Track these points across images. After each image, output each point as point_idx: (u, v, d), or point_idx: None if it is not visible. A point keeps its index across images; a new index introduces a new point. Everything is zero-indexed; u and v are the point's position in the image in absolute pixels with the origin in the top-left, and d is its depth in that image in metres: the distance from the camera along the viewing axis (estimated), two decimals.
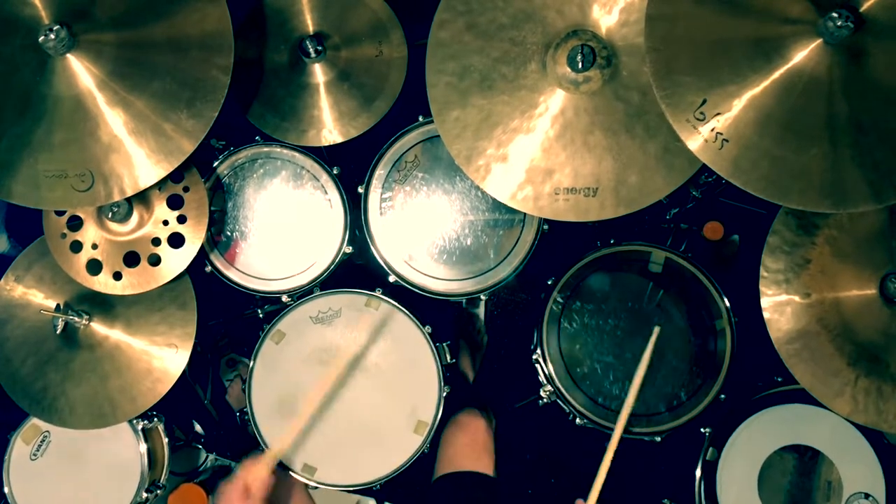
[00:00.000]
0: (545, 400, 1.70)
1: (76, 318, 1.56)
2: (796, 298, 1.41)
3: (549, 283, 1.68)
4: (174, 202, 1.58)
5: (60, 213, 1.57)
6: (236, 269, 1.70)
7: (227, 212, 1.70)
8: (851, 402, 1.37)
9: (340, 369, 1.60)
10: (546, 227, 1.63)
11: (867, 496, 1.53)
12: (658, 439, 1.60)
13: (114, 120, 1.38)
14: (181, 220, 1.57)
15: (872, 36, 1.15)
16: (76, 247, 1.57)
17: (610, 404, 1.62)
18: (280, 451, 1.53)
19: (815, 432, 1.57)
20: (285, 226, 1.70)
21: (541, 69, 1.36)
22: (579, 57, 1.31)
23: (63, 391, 1.59)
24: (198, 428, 2.13)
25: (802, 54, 1.16)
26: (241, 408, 2.15)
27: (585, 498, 1.34)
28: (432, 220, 1.67)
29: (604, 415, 1.61)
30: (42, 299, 1.64)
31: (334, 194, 1.69)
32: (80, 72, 1.36)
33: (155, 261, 1.56)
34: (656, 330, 1.48)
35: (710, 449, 1.59)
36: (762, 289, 1.42)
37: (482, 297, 1.70)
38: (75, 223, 1.57)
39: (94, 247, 1.57)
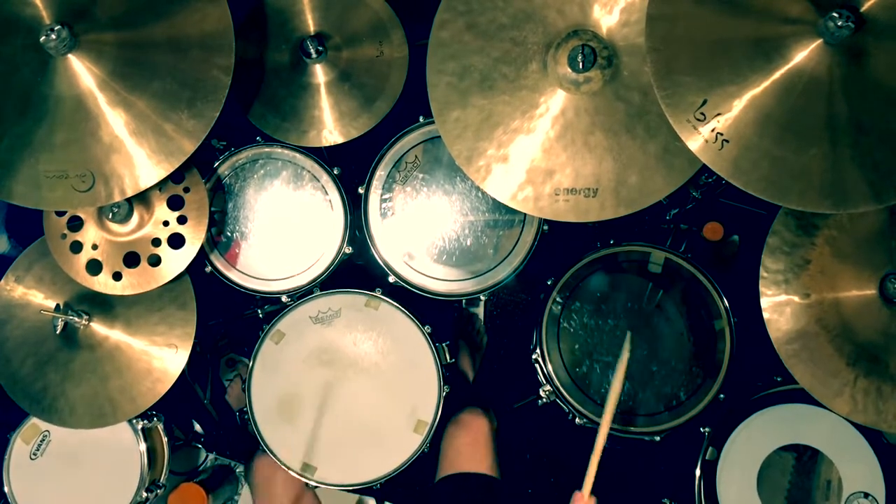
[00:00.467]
0: (545, 400, 1.70)
1: (76, 319, 1.56)
2: (796, 299, 1.41)
3: (549, 283, 1.68)
4: (175, 203, 1.58)
5: (61, 214, 1.57)
6: (236, 269, 1.70)
7: (227, 212, 1.70)
8: (851, 401, 1.38)
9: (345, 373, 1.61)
10: (546, 227, 1.64)
11: (867, 496, 1.53)
12: (658, 439, 1.60)
13: (115, 120, 1.38)
14: (181, 220, 1.57)
15: (873, 36, 1.15)
16: (76, 247, 1.57)
17: None
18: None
19: (815, 432, 1.57)
20: (286, 226, 1.70)
21: (541, 69, 1.36)
22: (580, 57, 1.31)
23: (63, 391, 1.59)
24: (198, 428, 2.14)
25: (803, 54, 1.16)
26: (241, 407, 2.15)
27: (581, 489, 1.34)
28: (432, 221, 1.67)
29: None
30: (42, 299, 1.64)
31: (335, 195, 1.69)
32: (81, 72, 1.36)
33: (155, 261, 1.56)
34: (628, 335, 1.51)
35: (710, 448, 1.59)
36: (762, 289, 1.42)
37: (482, 297, 1.70)
38: (76, 224, 1.57)
39: (95, 247, 1.57)
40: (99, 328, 1.60)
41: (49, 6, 1.38)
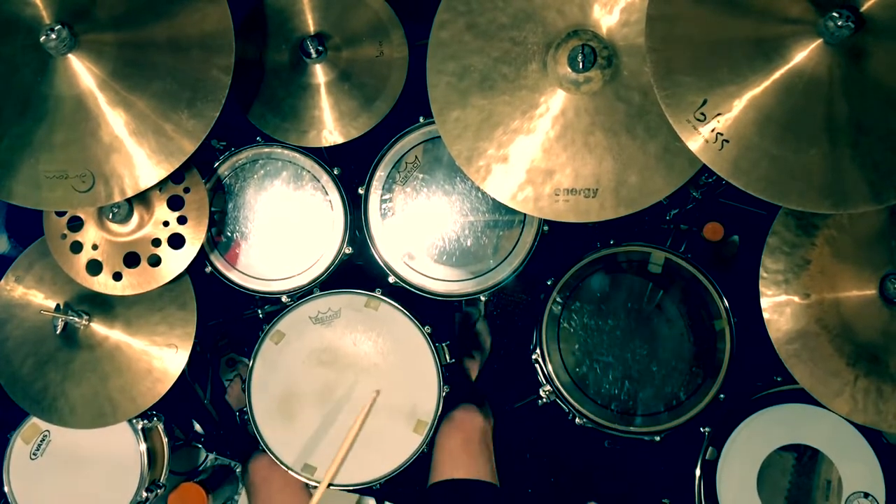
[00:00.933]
0: (545, 400, 1.70)
1: (76, 319, 1.56)
2: (796, 299, 1.41)
3: (549, 283, 1.68)
4: (175, 203, 1.58)
5: (61, 214, 1.57)
6: (236, 269, 1.70)
7: (227, 212, 1.70)
8: (851, 401, 1.38)
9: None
10: (546, 227, 1.64)
11: (867, 495, 1.53)
12: (658, 439, 1.60)
13: (115, 120, 1.38)
14: (181, 220, 1.57)
15: (873, 36, 1.15)
16: (76, 247, 1.57)
17: (609, 404, 1.62)
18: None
19: (815, 432, 1.57)
20: (286, 226, 1.70)
21: (541, 69, 1.36)
22: (580, 57, 1.31)
23: (63, 391, 1.59)
24: (198, 427, 2.13)
25: (803, 54, 1.16)
26: (241, 407, 2.15)
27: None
28: (432, 221, 1.67)
29: (603, 414, 1.61)
30: (42, 299, 1.64)
31: (335, 195, 1.69)
32: (81, 72, 1.36)
33: (155, 261, 1.56)
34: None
35: (710, 448, 1.59)
36: (762, 289, 1.42)
37: (482, 297, 1.70)
38: (76, 224, 1.57)
39: (95, 247, 1.57)
40: (99, 328, 1.60)
41: (49, 6, 1.38)
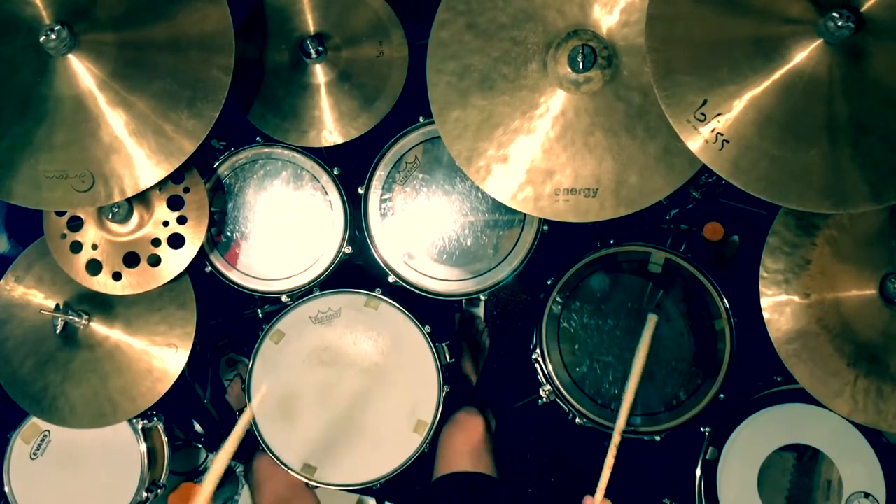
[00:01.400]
0: (545, 399, 1.70)
1: (76, 318, 1.56)
2: (796, 299, 1.41)
3: (549, 283, 1.68)
4: (174, 203, 1.58)
5: (61, 214, 1.57)
6: (236, 269, 1.70)
7: (227, 212, 1.70)
8: (851, 401, 1.38)
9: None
10: (546, 227, 1.64)
11: (867, 495, 1.53)
12: (658, 439, 1.60)
13: (114, 120, 1.38)
14: (181, 220, 1.57)
15: (873, 36, 1.15)
16: (76, 247, 1.57)
17: (609, 404, 1.62)
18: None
19: (815, 432, 1.57)
20: (285, 226, 1.70)
21: (541, 69, 1.36)
22: (580, 57, 1.31)
23: (63, 391, 1.59)
24: (198, 428, 2.13)
25: (803, 54, 1.16)
26: (241, 407, 2.15)
27: (592, 494, 1.33)
28: (432, 221, 1.67)
29: (603, 414, 1.61)
30: (42, 299, 1.64)
31: (334, 195, 1.69)
32: (81, 72, 1.36)
33: (155, 261, 1.56)
34: (652, 318, 1.46)
35: (710, 448, 1.59)
36: (762, 289, 1.42)
37: (482, 297, 1.70)
38: (75, 224, 1.57)
39: (94, 247, 1.57)
40: (99, 328, 1.60)
41: (49, 6, 1.38)
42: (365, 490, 1.75)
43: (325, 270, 1.68)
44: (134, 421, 1.68)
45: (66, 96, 1.37)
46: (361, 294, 1.69)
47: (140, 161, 1.38)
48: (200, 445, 2.14)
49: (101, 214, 1.56)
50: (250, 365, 1.67)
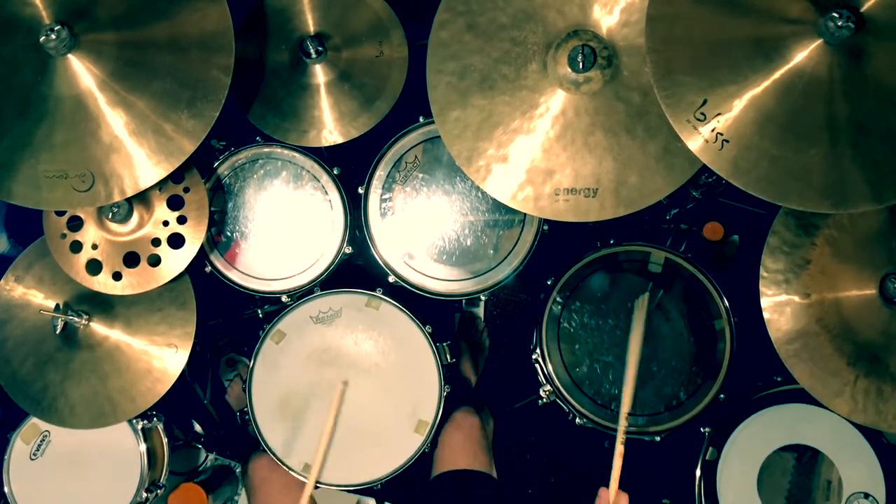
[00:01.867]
0: (545, 400, 1.70)
1: (76, 318, 1.56)
2: (796, 299, 1.41)
3: (549, 283, 1.68)
4: (174, 203, 1.58)
5: (60, 214, 1.57)
6: (236, 269, 1.70)
7: (227, 212, 1.70)
8: (851, 401, 1.38)
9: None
10: (546, 227, 1.64)
11: (867, 496, 1.53)
12: (658, 439, 1.60)
13: (114, 120, 1.38)
14: (181, 220, 1.57)
15: (873, 36, 1.15)
16: (76, 247, 1.57)
17: (609, 404, 1.62)
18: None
19: (815, 432, 1.57)
20: (285, 226, 1.70)
21: (541, 69, 1.36)
22: (580, 57, 1.31)
23: (63, 391, 1.59)
24: (197, 428, 2.14)
25: (803, 54, 1.16)
26: (241, 408, 2.15)
27: (596, 492, 1.32)
28: (432, 221, 1.67)
29: (603, 414, 1.61)
30: (42, 299, 1.64)
31: (334, 195, 1.69)
32: (81, 72, 1.36)
33: (155, 261, 1.56)
34: (644, 298, 1.45)
35: (710, 449, 1.59)
36: (762, 289, 1.42)
37: (482, 297, 1.70)
38: (75, 223, 1.57)
39: (94, 247, 1.57)
40: (99, 328, 1.60)
41: (49, 6, 1.38)
42: (365, 490, 1.74)
43: (326, 270, 1.68)
44: (134, 421, 1.68)
45: (66, 96, 1.37)
46: (363, 294, 1.69)
47: (140, 161, 1.38)
48: (200, 446, 2.14)
49: (101, 214, 1.56)
50: (251, 365, 1.67)
